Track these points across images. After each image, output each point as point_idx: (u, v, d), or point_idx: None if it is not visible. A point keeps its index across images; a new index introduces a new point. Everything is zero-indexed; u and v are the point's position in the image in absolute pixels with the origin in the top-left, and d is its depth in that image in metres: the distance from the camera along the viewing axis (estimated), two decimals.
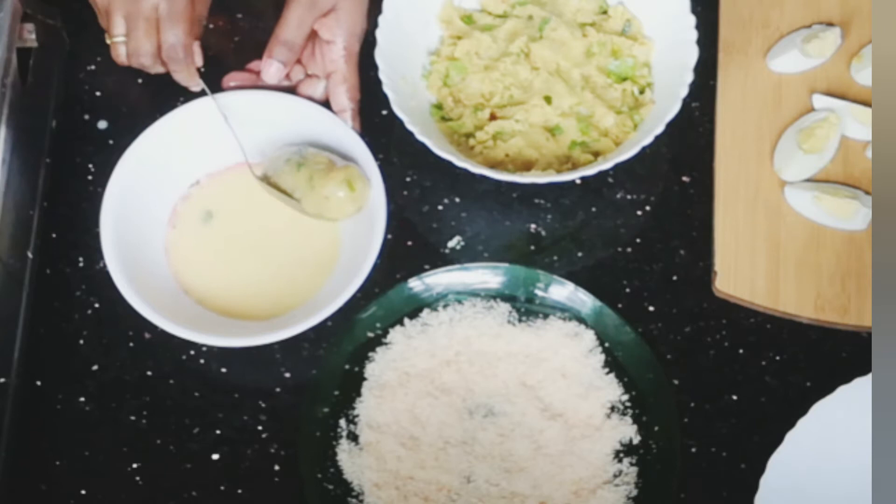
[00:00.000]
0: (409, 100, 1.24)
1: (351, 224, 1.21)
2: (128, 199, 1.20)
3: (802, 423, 1.12)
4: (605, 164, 1.20)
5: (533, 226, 1.25)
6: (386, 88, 1.22)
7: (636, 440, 1.16)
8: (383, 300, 1.20)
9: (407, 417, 1.16)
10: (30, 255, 1.21)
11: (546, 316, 1.20)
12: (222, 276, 1.21)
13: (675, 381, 1.18)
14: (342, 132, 1.22)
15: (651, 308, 1.21)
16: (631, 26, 1.29)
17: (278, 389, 1.19)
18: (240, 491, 1.16)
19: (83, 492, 1.16)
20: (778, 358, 1.19)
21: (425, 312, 1.20)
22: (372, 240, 1.16)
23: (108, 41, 1.22)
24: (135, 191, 1.21)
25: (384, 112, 1.25)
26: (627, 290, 1.22)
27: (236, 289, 1.21)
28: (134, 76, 1.31)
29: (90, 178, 1.27)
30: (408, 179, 1.26)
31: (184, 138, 1.23)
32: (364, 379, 1.18)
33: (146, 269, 1.19)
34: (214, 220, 1.23)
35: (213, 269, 1.21)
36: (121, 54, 1.22)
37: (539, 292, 1.20)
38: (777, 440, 1.12)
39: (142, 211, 1.21)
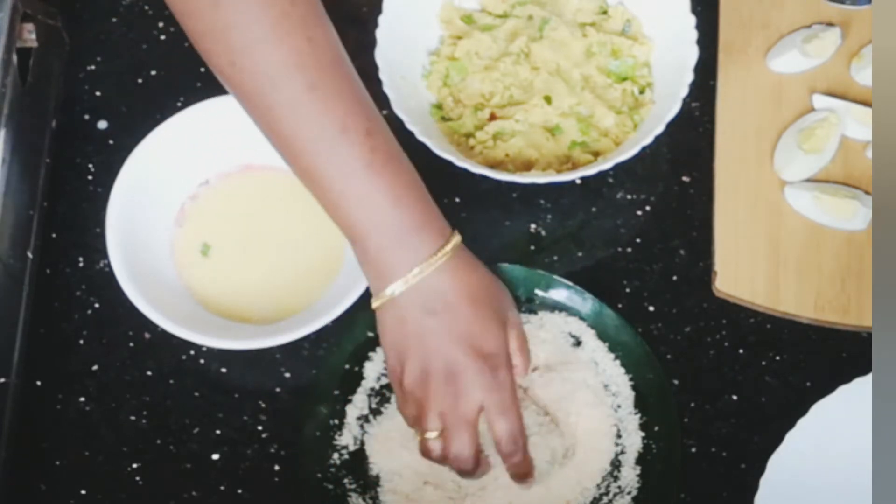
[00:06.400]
0: (409, 100, 1.24)
1: None
2: (136, 195, 1.20)
3: (802, 423, 1.12)
4: (605, 164, 1.20)
5: (533, 226, 1.25)
6: (386, 88, 1.22)
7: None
8: None
9: None
10: (30, 255, 1.21)
11: (546, 316, 1.20)
12: (227, 277, 1.21)
13: (675, 381, 1.18)
14: None
15: (651, 308, 1.21)
16: (631, 26, 1.29)
17: (278, 389, 1.19)
18: (240, 491, 1.16)
19: (83, 492, 1.16)
20: (778, 358, 1.19)
21: None
22: None
23: (414, 435, 1.09)
24: (143, 188, 1.20)
25: (384, 112, 1.25)
26: (627, 290, 1.22)
27: (240, 290, 1.21)
28: (134, 76, 1.31)
29: (90, 178, 1.27)
30: None
31: (195, 137, 1.22)
32: (364, 379, 1.18)
33: (150, 268, 1.19)
34: (222, 222, 1.23)
35: (219, 269, 1.21)
36: (434, 450, 1.07)
37: (539, 292, 1.20)
38: (777, 440, 1.12)
39: (149, 208, 1.21)
